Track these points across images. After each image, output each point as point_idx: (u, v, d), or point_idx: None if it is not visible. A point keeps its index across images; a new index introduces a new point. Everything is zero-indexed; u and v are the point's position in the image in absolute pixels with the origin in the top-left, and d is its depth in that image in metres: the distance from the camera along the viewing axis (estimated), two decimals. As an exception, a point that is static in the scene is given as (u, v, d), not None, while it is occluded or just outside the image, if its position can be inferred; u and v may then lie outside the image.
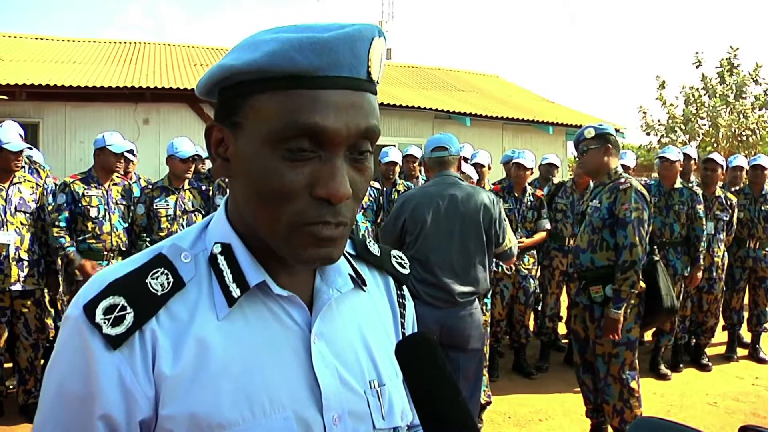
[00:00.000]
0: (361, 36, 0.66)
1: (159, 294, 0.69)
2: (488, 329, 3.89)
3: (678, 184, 4.97)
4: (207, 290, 0.72)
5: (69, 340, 0.67)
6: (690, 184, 5.12)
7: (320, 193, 0.66)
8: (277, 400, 0.70)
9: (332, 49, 0.64)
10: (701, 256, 4.90)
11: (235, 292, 0.71)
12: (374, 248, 0.91)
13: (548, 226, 5.03)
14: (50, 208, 4.08)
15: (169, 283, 0.70)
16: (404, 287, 0.94)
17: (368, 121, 0.68)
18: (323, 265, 0.73)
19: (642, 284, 3.27)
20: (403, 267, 0.94)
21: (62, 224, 4.02)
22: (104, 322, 0.65)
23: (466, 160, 5.80)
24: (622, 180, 3.31)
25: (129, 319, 0.66)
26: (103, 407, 0.64)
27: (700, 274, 4.96)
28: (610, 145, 3.35)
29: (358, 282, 0.83)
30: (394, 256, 0.94)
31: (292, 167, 0.66)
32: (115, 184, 4.26)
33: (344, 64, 0.65)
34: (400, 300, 0.92)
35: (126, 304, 0.67)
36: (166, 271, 0.71)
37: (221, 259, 0.73)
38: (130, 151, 5.10)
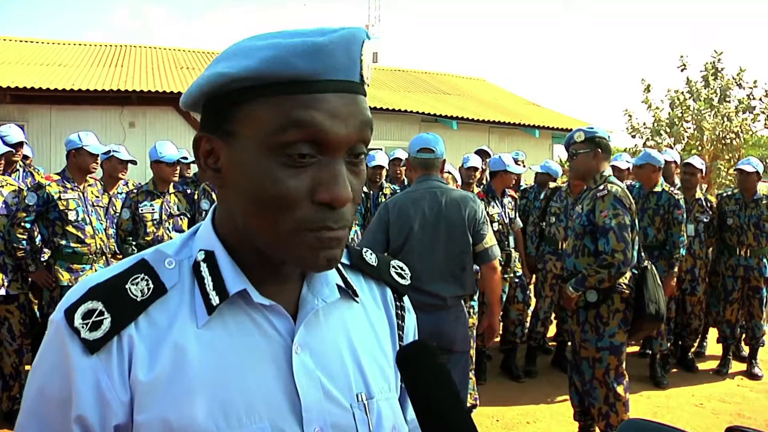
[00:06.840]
0: (355, 39, 0.66)
1: (139, 300, 0.68)
2: (474, 332, 3.89)
3: (658, 188, 4.84)
4: (189, 297, 0.71)
5: (50, 343, 0.68)
6: (675, 187, 5.13)
7: (323, 197, 0.65)
8: (254, 410, 0.68)
9: (330, 52, 0.64)
10: (676, 264, 4.75)
11: (215, 299, 0.70)
12: (371, 258, 0.89)
13: (520, 224, 5.23)
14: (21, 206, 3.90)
15: (149, 289, 0.69)
16: (404, 298, 0.91)
17: (364, 122, 0.68)
18: (328, 268, 0.70)
19: (626, 291, 3.28)
20: (403, 277, 0.91)
21: (27, 226, 3.89)
22: (82, 327, 0.65)
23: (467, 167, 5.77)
24: (601, 187, 3.31)
25: (106, 324, 0.66)
26: (78, 409, 0.65)
27: (674, 282, 4.78)
28: (599, 149, 3.34)
29: (348, 292, 0.81)
30: (393, 266, 0.91)
31: (293, 174, 0.65)
32: (90, 186, 4.19)
33: (340, 67, 0.65)
34: (399, 311, 0.89)
35: (103, 309, 0.67)
36: (146, 277, 0.70)
37: (203, 267, 0.72)
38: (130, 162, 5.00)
